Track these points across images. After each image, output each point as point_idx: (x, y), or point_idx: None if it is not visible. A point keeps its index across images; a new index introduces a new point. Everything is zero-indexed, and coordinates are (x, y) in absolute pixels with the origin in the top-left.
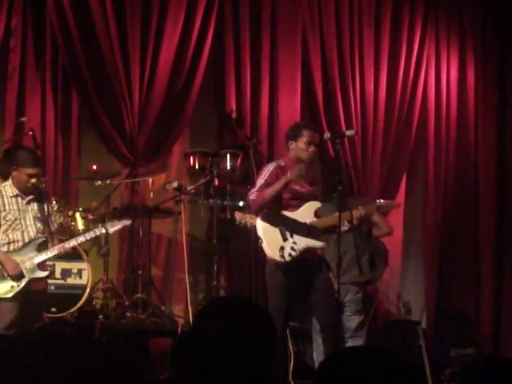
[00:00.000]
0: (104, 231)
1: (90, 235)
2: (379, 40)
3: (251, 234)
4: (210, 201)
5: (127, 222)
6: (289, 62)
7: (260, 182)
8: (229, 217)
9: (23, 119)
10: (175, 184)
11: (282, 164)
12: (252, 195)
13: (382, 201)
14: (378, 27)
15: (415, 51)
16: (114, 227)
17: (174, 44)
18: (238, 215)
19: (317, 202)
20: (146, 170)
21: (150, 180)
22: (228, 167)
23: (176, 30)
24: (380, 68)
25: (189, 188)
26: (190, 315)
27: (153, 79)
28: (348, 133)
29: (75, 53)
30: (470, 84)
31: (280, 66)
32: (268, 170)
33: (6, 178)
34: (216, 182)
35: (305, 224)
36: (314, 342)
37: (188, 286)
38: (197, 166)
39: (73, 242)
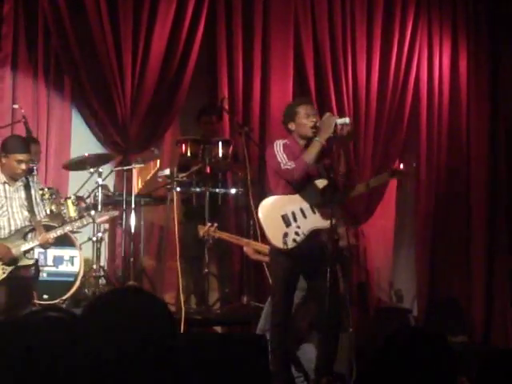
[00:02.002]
0: (91, 221)
1: (76, 225)
2: (371, 27)
3: (244, 219)
4: (202, 188)
5: (115, 213)
6: (281, 49)
7: (280, 156)
8: (219, 204)
9: (15, 106)
10: (167, 172)
11: (287, 142)
12: (287, 165)
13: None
14: (371, 14)
15: (408, 39)
16: (102, 217)
17: (166, 31)
18: (200, 230)
19: (321, 180)
20: (138, 157)
21: (140, 168)
22: (220, 155)
23: (168, 16)
24: (372, 55)
25: (180, 175)
26: (182, 302)
27: (145, 66)
28: (339, 120)
29: (67, 40)
30: (462, 72)
31: (272, 54)
32: (278, 145)
33: None
34: (207, 170)
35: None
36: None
37: (180, 274)
38: (188, 154)
39: (59, 231)
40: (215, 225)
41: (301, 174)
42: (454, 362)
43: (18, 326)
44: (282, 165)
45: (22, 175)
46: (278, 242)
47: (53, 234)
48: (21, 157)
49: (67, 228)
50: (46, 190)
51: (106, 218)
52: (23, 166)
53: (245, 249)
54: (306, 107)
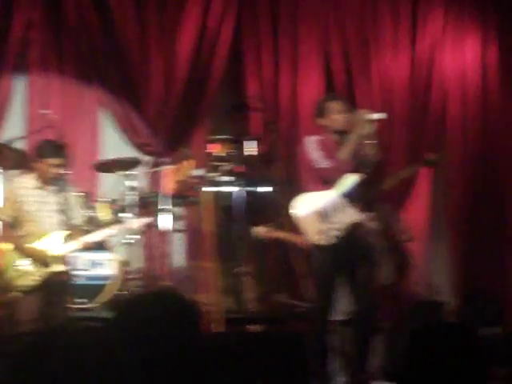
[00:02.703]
0: (127, 227)
1: (110, 231)
2: (397, 21)
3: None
4: (234, 188)
5: (149, 219)
6: (308, 47)
7: (314, 153)
8: (252, 202)
9: (45, 111)
10: (198, 172)
11: (319, 138)
12: (322, 164)
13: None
14: (396, 8)
15: (434, 31)
16: (136, 223)
17: (193, 31)
18: (255, 231)
19: (354, 175)
20: (169, 158)
21: (171, 169)
22: (251, 153)
23: (195, 16)
24: (399, 50)
25: (212, 175)
26: (219, 302)
27: (172, 67)
28: (372, 116)
29: (95, 44)
30: (491, 59)
31: (300, 51)
32: (311, 143)
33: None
34: (239, 169)
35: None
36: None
37: (215, 273)
38: (220, 153)
39: (94, 237)
40: (270, 225)
41: (337, 171)
42: (482, 353)
43: (57, 335)
44: (317, 163)
45: (55, 180)
46: (315, 238)
47: (92, 238)
48: (54, 161)
49: (105, 233)
50: (78, 193)
51: (140, 223)
52: (56, 171)
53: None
54: (336, 103)
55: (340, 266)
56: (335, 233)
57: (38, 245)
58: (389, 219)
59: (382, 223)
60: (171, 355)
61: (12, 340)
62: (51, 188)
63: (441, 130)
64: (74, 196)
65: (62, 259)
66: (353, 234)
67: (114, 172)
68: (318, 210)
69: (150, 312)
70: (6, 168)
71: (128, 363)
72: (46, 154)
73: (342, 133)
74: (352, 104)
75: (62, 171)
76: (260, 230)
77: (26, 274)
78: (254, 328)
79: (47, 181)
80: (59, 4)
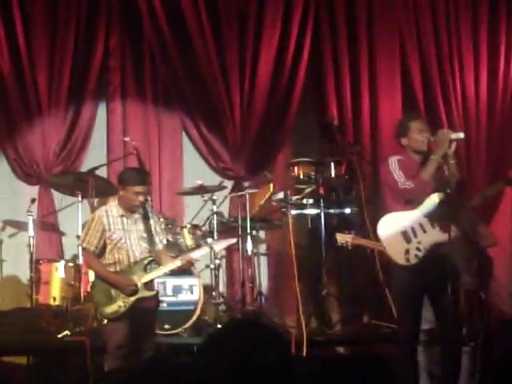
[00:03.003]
0: (209, 249)
1: (195, 254)
2: (477, 38)
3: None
4: (317, 210)
5: (232, 240)
6: (387, 66)
7: (397, 174)
8: (335, 224)
9: (126, 139)
10: (281, 195)
11: (401, 158)
12: (405, 185)
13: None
14: (476, 25)
15: None
16: (220, 245)
17: (272, 54)
18: (339, 237)
19: (437, 194)
20: (251, 182)
21: (253, 192)
22: (333, 175)
23: (273, 39)
24: (480, 66)
25: (294, 198)
26: (303, 325)
27: (253, 91)
28: (454, 136)
29: (174, 70)
30: None
31: (379, 71)
32: (393, 163)
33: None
34: (321, 191)
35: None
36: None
37: (299, 296)
38: (301, 176)
39: (178, 263)
40: (353, 232)
41: (420, 191)
42: None
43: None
44: (399, 183)
45: (139, 207)
46: (399, 258)
47: (178, 263)
48: (139, 189)
49: (186, 258)
50: (162, 219)
51: (224, 245)
52: (141, 198)
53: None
54: (418, 122)
55: (424, 286)
56: (418, 253)
57: (124, 273)
58: (472, 224)
59: (465, 228)
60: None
61: (105, 377)
62: (135, 215)
63: None
64: (158, 222)
65: (148, 286)
66: (436, 254)
67: (198, 196)
68: (401, 230)
69: (238, 342)
70: (89, 196)
71: None
72: (130, 182)
73: (424, 152)
74: (433, 122)
75: (145, 198)
76: (343, 236)
77: (112, 301)
78: (339, 350)
79: (131, 208)
80: (136, 31)
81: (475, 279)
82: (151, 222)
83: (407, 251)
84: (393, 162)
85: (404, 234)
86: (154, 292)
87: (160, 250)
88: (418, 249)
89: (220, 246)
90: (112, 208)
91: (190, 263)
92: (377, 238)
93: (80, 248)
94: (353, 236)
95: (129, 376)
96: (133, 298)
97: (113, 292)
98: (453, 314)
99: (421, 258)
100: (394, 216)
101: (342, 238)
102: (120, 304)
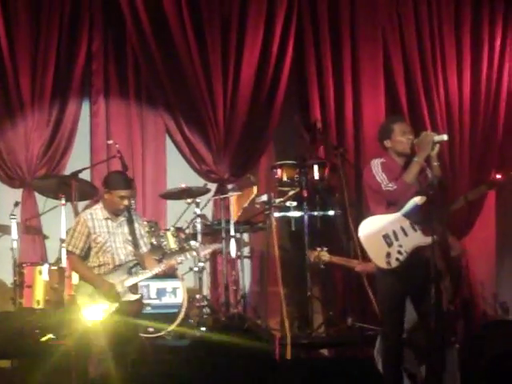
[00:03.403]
0: (195, 254)
1: (180, 258)
2: (460, 39)
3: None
4: (300, 212)
5: (218, 246)
6: (371, 68)
7: (380, 176)
8: (318, 226)
9: (110, 142)
10: (264, 197)
11: (384, 161)
12: (388, 187)
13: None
14: (458, 26)
15: (497, 48)
16: (205, 250)
17: (255, 56)
18: (311, 255)
19: (420, 197)
20: (234, 184)
21: (237, 195)
22: (316, 177)
23: (256, 41)
24: (462, 67)
25: (278, 201)
26: (287, 328)
27: (236, 93)
28: (437, 138)
29: (157, 73)
30: None
31: (362, 73)
32: (376, 165)
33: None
34: (305, 193)
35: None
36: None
37: (282, 299)
38: (285, 178)
39: (162, 267)
40: (325, 249)
41: (402, 194)
42: None
43: None
44: (382, 186)
45: (123, 211)
46: (381, 262)
47: (162, 267)
48: (123, 193)
49: (173, 261)
50: (146, 223)
51: (209, 250)
52: (125, 202)
53: (357, 268)
54: (401, 125)
55: (407, 289)
56: (400, 256)
57: (108, 277)
58: (444, 236)
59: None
60: None
61: None
62: (120, 218)
63: (508, 150)
64: (142, 225)
65: (132, 289)
66: (418, 257)
67: (179, 199)
68: (382, 233)
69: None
70: (72, 199)
71: None
72: (115, 186)
73: (407, 155)
74: (416, 125)
75: (130, 202)
76: (314, 254)
77: (97, 305)
78: (323, 353)
79: (116, 212)
80: (119, 34)
81: (451, 290)
82: (136, 225)
83: (388, 254)
84: (376, 165)
85: (385, 237)
86: (138, 296)
87: (144, 253)
88: (399, 252)
89: (205, 251)
90: (97, 211)
91: (174, 267)
92: (359, 242)
93: (64, 251)
94: (324, 253)
95: None
96: (117, 302)
97: (97, 295)
98: (436, 316)
99: (402, 261)
100: (376, 219)
101: (314, 256)
102: (104, 308)
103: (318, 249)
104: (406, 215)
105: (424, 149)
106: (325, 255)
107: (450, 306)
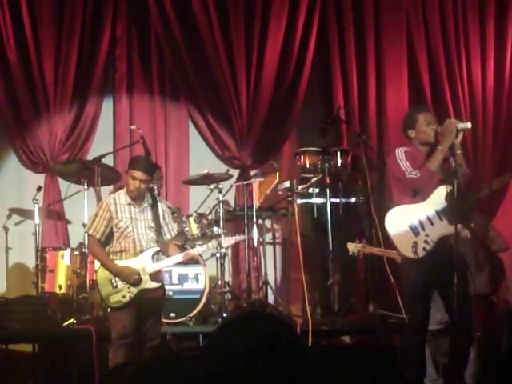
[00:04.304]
0: (218, 246)
1: (203, 249)
2: (484, 27)
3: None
4: (322, 199)
5: (241, 237)
6: (394, 57)
7: (404, 164)
8: (341, 213)
9: (133, 127)
10: (287, 184)
11: (407, 149)
12: (412, 175)
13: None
14: (483, 15)
15: None
16: (228, 242)
17: (279, 45)
18: (350, 246)
19: (444, 186)
20: (257, 171)
21: (259, 182)
22: (339, 165)
23: (280, 30)
24: (486, 56)
25: (300, 187)
26: (308, 314)
27: (259, 81)
28: (461, 126)
29: (181, 59)
30: None
31: (386, 61)
32: (400, 154)
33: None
34: (327, 180)
35: (438, 210)
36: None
37: (304, 285)
38: (307, 165)
39: (184, 257)
40: (363, 241)
41: (426, 181)
42: None
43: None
44: (406, 173)
45: (134, 193)
46: (407, 251)
47: (182, 257)
48: (136, 174)
49: (192, 252)
50: (169, 209)
51: (232, 242)
52: (136, 184)
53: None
54: (425, 115)
55: (433, 279)
56: (426, 246)
57: (129, 262)
58: (483, 228)
59: (477, 233)
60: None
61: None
62: (144, 204)
63: None
64: (167, 211)
65: (154, 276)
66: (444, 246)
67: (202, 184)
68: (409, 223)
69: (247, 334)
70: (95, 185)
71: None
72: (130, 166)
73: (431, 144)
74: (439, 113)
75: (144, 186)
76: (354, 246)
77: (116, 291)
78: (345, 340)
79: (128, 193)
80: (143, 19)
81: (487, 283)
82: (160, 211)
83: (415, 244)
84: (400, 153)
85: (412, 227)
86: (160, 284)
87: (168, 240)
88: (425, 242)
89: (228, 242)
90: (121, 196)
91: (196, 258)
92: (383, 228)
93: (86, 235)
94: (363, 245)
95: (139, 369)
96: (137, 289)
97: (118, 280)
98: (462, 306)
99: (429, 250)
100: (402, 209)
101: (353, 248)
102: (124, 294)
103: (357, 241)
104: (432, 205)
105: (448, 137)
106: (364, 246)
107: (493, 297)
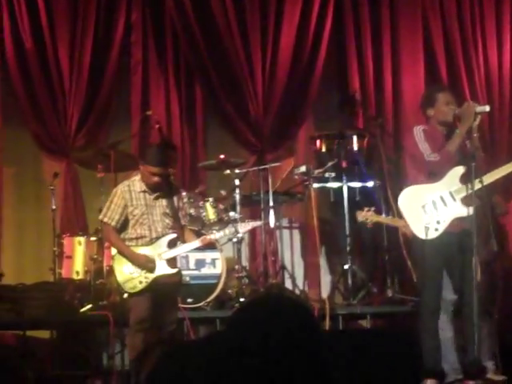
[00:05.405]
0: (234, 231)
1: (220, 235)
2: (500, 11)
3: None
4: (339, 183)
5: (257, 223)
6: (410, 39)
7: (423, 145)
8: (357, 199)
9: (149, 113)
10: (303, 168)
11: (426, 128)
12: (431, 157)
13: None
14: None
15: None
16: (245, 228)
17: (294, 27)
18: (359, 215)
19: (460, 167)
20: (273, 156)
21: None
22: (355, 148)
23: (295, 12)
24: (502, 39)
25: (316, 171)
26: (326, 299)
27: (274, 65)
28: (479, 109)
29: (196, 44)
30: None
31: (401, 45)
32: (419, 133)
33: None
34: (343, 164)
35: (452, 191)
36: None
37: (322, 270)
38: (323, 149)
39: (200, 243)
40: (372, 209)
41: (445, 164)
42: None
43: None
44: (425, 156)
45: (154, 187)
46: (420, 232)
47: (198, 243)
48: (154, 170)
49: (209, 238)
50: (185, 193)
51: (248, 228)
52: (156, 179)
53: (402, 230)
54: (445, 94)
55: (444, 260)
56: (438, 226)
57: (145, 249)
58: (488, 194)
59: (482, 199)
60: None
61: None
62: (157, 192)
63: None
64: (180, 197)
65: (170, 263)
66: (456, 227)
67: (218, 170)
68: (422, 203)
69: (265, 317)
70: (111, 171)
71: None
72: (147, 161)
73: (449, 124)
74: (456, 96)
75: (161, 179)
76: (363, 214)
77: (133, 277)
78: (362, 324)
79: (147, 186)
80: (159, 6)
81: (494, 248)
82: (175, 197)
83: (427, 224)
84: (418, 132)
85: (424, 207)
86: (176, 270)
87: (183, 226)
88: (438, 222)
89: (244, 228)
90: (135, 183)
91: (213, 243)
92: (399, 213)
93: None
94: (372, 213)
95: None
96: (153, 274)
97: (133, 267)
98: (474, 287)
99: (441, 231)
100: (415, 189)
101: (362, 216)
102: (141, 279)
103: (366, 209)
104: (447, 185)
105: (467, 120)
106: (372, 215)
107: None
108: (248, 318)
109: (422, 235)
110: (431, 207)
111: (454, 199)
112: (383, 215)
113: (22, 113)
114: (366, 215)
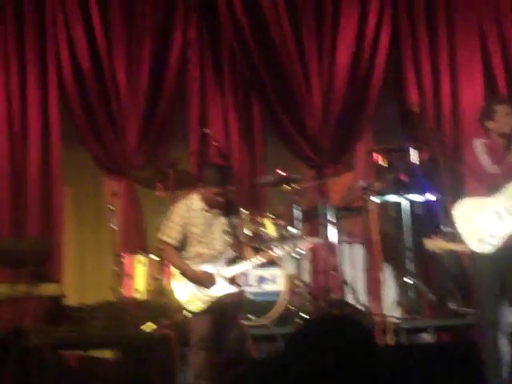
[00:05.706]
0: (294, 248)
1: (279, 251)
2: None
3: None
4: (399, 197)
5: (318, 240)
6: (467, 51)
7: (482, 158)
8: (418, 212)
9: (206, 130)
10: (362, 182)
11: (486, 141)
12: (492, 170)
13: None
14: None
15: None
16: (305, 245)
17: (351, 41)
18: (427, 243)
19: None
20: (331, 170)
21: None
22: (414, 162)
23: (351, 26)
24: None
25: (376, 185)
26: (389, 314)
27: (332, 79)
28: None
29: (253, 60)
30: None
31: (459, 56)
32: (479, 146)
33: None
34: (403, 178)
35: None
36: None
37: (384, 284)
38: (382, 163)
39: (260, 260)
40: (440, 236)
41: (506, 177)
42: None
43: None
44: (486, 168)
45: (219, 206)
46: (475, 246)
47: (260, 260)
48: (217, 190)
49: (271, 254)
50: (243, 210)
51: (309, 245)
52: (220, 199)
53: None
54: (504, 106)
55: (498, 274)
56: (493, 241)
57: (205, 267)
58: None
59: None
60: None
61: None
62: (216, 209)
63: None
64: (240, 215)
65: (231, 281)
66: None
67: (277, 186)
68: (477, 216)
69: (324, 340)
70: (169, 189)
71: None
72: (209, 182)
73: (509, 136)
74: None
75: (227, 197)
76: (431, 243)
77: (196, 296)
78: (426, 338)
79: (212, 206)
80: (214, 23)
81: None
82: (234, 215)
83: (482, 238)
84: (478, 146)
85: (479, 221)
86: (237, 289)
87: (243, 244)
88: (492, 236)
89: (304, 245)
90: (193, 201)
91: (273, 260)
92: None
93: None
94: (441, 241)
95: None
96: (215, 294)
97: (194, 286)
98: None
99: (496, 246)
100: (471, 201)
101: (431, 244)
102: (202, 298)
103: (434, 236)
104: (504, 200)
105: None
106: (442, 243)
107: None
108: (305, 341)
109: (475, 249)
110: (487, 221)
111: (510, 214)
112: (451, 242)
113: (81, 133)
114: (435, 244)
